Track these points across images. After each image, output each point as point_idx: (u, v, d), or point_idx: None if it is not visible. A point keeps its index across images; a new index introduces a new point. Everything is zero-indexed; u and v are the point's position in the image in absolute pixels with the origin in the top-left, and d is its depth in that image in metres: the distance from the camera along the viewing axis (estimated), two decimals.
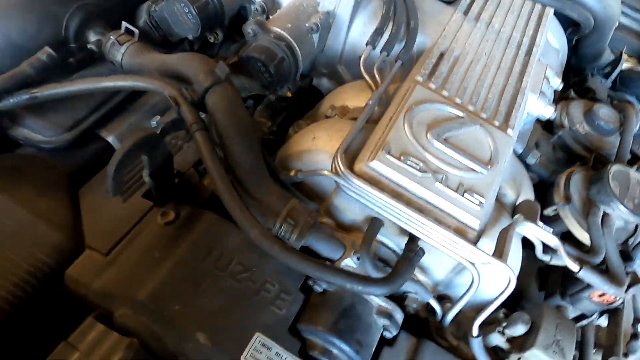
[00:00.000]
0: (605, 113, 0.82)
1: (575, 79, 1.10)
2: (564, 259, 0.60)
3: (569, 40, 1.13)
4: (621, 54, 1.23)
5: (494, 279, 0.68)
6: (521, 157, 0.85)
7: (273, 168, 0.72)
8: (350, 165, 0.63)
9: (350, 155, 0.66)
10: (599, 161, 0.79)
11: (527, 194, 0.77)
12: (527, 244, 0.73)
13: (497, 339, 0.67)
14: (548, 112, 0.84)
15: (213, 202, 0.76)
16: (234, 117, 0.67)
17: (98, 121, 0.83)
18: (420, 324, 0.73)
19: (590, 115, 0.83)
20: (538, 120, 0.89)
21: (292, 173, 0.68)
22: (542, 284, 0.82)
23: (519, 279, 0.69)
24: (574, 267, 0.59)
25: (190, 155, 0.82)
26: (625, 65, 1.33)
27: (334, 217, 0.73)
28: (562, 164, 0.84)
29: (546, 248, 0.67)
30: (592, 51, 1.19)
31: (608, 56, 1.30)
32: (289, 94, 0.85)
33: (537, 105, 0.83)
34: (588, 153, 0.81)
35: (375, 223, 0.66)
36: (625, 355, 0.62)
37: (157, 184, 0.71)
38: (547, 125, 0.91)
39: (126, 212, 0.71)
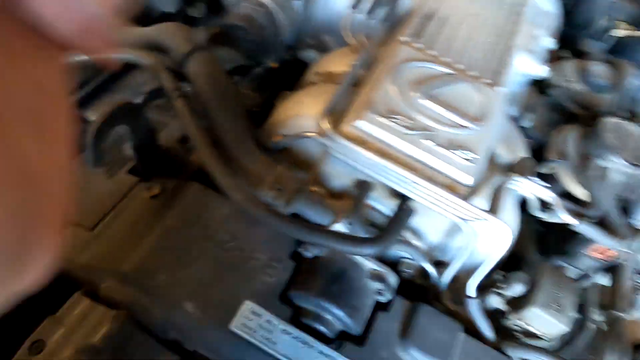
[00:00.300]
0: (599, 69, 0.80)
1: (570, 43, 1.07)
2: (562, 213, 0.58)
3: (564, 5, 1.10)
4: (614, 19, 1.20)
5: (490, 240, 0.66)
6: (516, 121, 0.83)
7: (259, 137, 0.70)
8: (336, 126, 0.61)
9: (336, 117, 0.64)
10: (594, 119, 0.77)
11: (522, 154, 0.75)
12: (526, 209, 0.71)
13: (495, 301, 0.66)
14: (542, 71, 0.81)
15: (200, 177, 0.74)
16: (217, 83, 0.65)
17: (81, 101, 0.82)
18: (417, 291, 0.71)
19: (585, 73, 0.80)
20: (533, 84, 0.87)
21: (277, 138, 0.66)
22: (541, 248, 0.80)
23: (517, 243, 0.68)
24: (572, 220, 0.57)
25: (176, 131, 0.80)
26: (621, 32, 1.30)
27: (323, 185, 0.71)
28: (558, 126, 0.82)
29: (544, 206, 0.65)
30: (584, 17, 1.16)
31: (602, 23, 1.27)
32: (274, 65, 0.83)
33: (529, 64, 0.80)
34: (584, 111, 0.79)
35: (364, 185, 0.64)
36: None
37: (141, 157, 0.69)
38: (543, 90, 0.89)
39: (111, 188, 0.70)
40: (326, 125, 0.60)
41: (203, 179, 0.67)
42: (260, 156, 0.65)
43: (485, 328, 0.64)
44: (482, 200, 0.63)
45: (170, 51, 0.68)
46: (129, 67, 0.83)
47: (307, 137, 0.62)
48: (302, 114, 0.67)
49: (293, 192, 0.61)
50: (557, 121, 0.83)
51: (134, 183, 0.71)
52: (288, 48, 0.89)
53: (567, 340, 0.65)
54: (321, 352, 0.57)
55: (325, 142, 0.61)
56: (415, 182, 0.58)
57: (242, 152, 0.65)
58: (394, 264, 0.69)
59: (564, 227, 0.74)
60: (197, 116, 0.64)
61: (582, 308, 0.62)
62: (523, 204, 0.69)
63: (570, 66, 0.83)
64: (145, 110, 0.67)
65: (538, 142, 0.84)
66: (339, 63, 0.77)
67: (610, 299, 0.61)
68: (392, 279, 0.64)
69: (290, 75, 0.93)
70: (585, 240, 0.64)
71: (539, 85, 0.87)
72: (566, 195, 0.69)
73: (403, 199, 0.62)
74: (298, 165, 0.71)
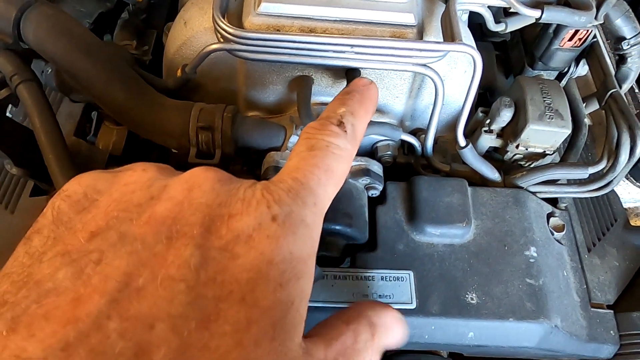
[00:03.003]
0: None
1: None
2: (521, 10, 0.50)
3: None
4: None
5: (458, 82, 0.58)
6: None
7: (161, 84, 0.57)
8: (239, 24, 0.49)
9: (234, 15, 0.51)
10: None
11: None
12: (478, 36, 0.63)
13: (486, 140, 0.59)
14: None
15: (115, 163, 0.62)
16: (70, 37, 0.49)
17: None
18: (405, 172, 0.64)
19: None
20: None
21: (178, 73, 0.53)
22: (506, 71, 0.74)
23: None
24: (534, 13, 0.49)
25: (68, 125, 0.65)
26: None
27: (257, 107, 0.60)
28: None
29: (497, 18, 0.57)
30: None
31: None
32: (139, 0, 0.67)
33: None
34: None
35: (303, 81, 0.54)
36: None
37: (32, 169, 0.55)
38: None
39: (20, 221, 0.56)
40: (227, 27, 0.47)
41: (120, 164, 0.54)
42: (168, 102, 0.52)
43: (488, 171, 0.58)
44: (432, 37, 0.54)
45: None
46: None
47: (212, 51, 0.49)
48: (194, 34, 0.54)
49: (227, 124, 0.50)
50: None
51: (44, 203, 0.57)
52: None
53: (568, 145, 0.61)
54: (336, 277, 0.50)
55: (234, 47, 0.48)
56: (357, 46, 0.47)
57: (144, 106, 0.52)
58: (370, 155, 0.61)
59: (526, 35, 0.67)
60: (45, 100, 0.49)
61: (571, 106, 0.57)
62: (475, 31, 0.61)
63: None
64: (2, 112, 0.51)
65: None
66: None
67: (598, 81, 0.56)
68: (376, 167, 0.55)
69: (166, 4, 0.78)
70: (553, 34, 0.57)
71: None
72: None
73: (349, 74, 0.52)
74: (218, 97, 0.59)
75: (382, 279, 0.51)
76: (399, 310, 0.49)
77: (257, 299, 0.20)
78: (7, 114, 0.57)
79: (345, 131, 0.27)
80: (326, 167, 0.26)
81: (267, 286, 0.20)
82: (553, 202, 0.62)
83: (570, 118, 0.54)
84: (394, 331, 0.27)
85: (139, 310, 0.18)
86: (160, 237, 0.21)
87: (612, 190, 0.63)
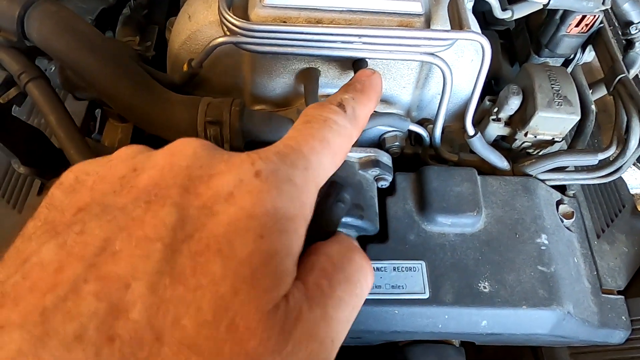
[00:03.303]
0: None
1: None
2: None
3: None
4: None
5: (465, 70, 0.58)
6: None
7: (167, 79, 0.56)
8: (245, 16, 0.49)
9: (240, 7, 0.51)
10: None
11: None
12: (481, 24, 0.63)
13: (494, 129, 0.59)
14: None
15: None
16: (74, 33, 0.49)
17: None
18: (412, 163, 0.64)
19: None
20: None
21: (184, 68, 0.53)
22: (511, 59, 0.74)
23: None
24: None
25: None
26: None
27: (263, 100, 0.60)
28: None
29: (503, 5, 0.56)
30: None
31: None
32: None
33: None
34: None
35: (309, 73, 0.53)
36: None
37: (42, 170, 0.55)
38: None
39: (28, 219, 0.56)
40: (233, 20, 0.47)
41: None
42: (175, 97, 0.52)
43: (497, 159, 0.58)
44: (439, 25, 0.54)
45: (2, 23, 0.51)
46: None
47: (219, 45, 0.49)
48: (199, 27, 0.54)
49: (234, 117, 0.50)
50: None
51: None
52: None
53: (576, 131, 0.61)
54: None
55: (241, 40, 0.48)
56: (364, 36, 0.47)
57: (151, 102, 0.51)
58: (378, 146, 0.61)
59: (531, 22, 0.67)
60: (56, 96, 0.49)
61: (578, 93, 0.56)
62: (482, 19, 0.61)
63: None
64: (8, 111, 0.51)
65: None
66: None
67: (605, 67, 0.55)
68: (385, 157, 0.55)
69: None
70: (560, 20, 0.57)
71: None
72: None
73: (356, 65, 0.52)
74: (224, 91, 0.58)
75: (394, 269, 0.51)
76: (413, 300, 0.49)
77: (235, 250, 0.19)
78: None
79: (345, 111, 0.26)
80: (321, 138, 0.24)
81: (245, 237, 0.20)
82: (561, 189, 0.62)
83: (579, 104, 0.54)
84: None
85: (114, 271, 0.18)
86: (139, 203, 0.20)
87: (620, 177, 0.63)
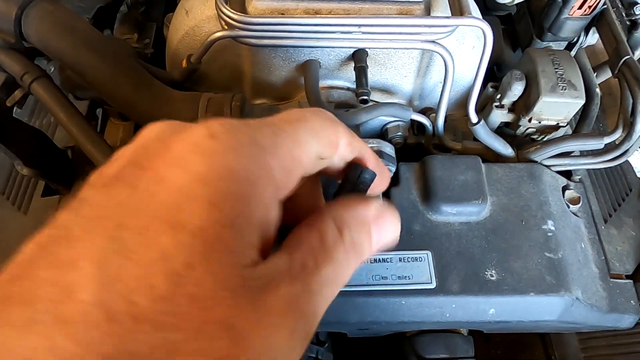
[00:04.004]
0: None
1: None
2: None
3: None
4: None
5: (466, 57, 0.57)
6: None
7: (167, 76, 0.56)
8: (243, 9, 0.48)
9: (238, 3, 0.50)
10: None
11: None
12: (482, 10, 0.62)
13: (498, 116, 0.58)
14: None
15: None
16: (73, 32, 0.49)
17: None
18: (415, 153, 0.63)
19: None
20: None
21: (183, 64, 0.53)
22: (513, 44, 0.73)
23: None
24: None
25: None
26: None
27: (264, 94, 0.59)
28: None
29: None
30: None
31: None
32: None
33: None
34: None
35: (309, 65, 0.53)
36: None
37: (45, 170, 0.55)
38: None
39: (32, 222, 0.57)
40: (231, 13, 0.46)
41: None
42: (175, 93, 0.51)
43: (501, 146, 0.57)
44: (440, 12, 0.53)
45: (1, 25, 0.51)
46: None
47: (217, 39, 0.48)
48: (197, 22, 0.53)
49: (235, 112, 0.50)
50: None
51: (56, 202, 0.57)
52: None
53: (581, 116, 0.60)
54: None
55: (239, 34, 0.48)
56: (364, 25, 0.46)
57: (154, 100, 0.51)
58: (380, 137, 0.61)
59: (532, 6, 0.66)
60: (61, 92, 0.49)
61: (582, 76, 0.56)
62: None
63: None
64: (10, 113, 0.51)
65: None
66: None
67: (610, 49, 0.55)
68: (388, 148, 0.55)
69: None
70: (562, 3, 0.56)
71: None
72: None
73: (356, 55, 0.51)
74: (224, 86, 0.58)
75: (400, 260, 0.51)
76: (420, 290, 0.49)
77: (185, 220, 0.18)
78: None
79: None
80: (299, 116, 0.23)
81: (196, 206, 0.19)
82: (567, 174, 0.61)
83: (583, 88, 0.53)
84: (368, 226, 0.23)
85: (66, 255, 0.18)
86: (99, 188, 0.20)
87: (626, 160, 0.62)
